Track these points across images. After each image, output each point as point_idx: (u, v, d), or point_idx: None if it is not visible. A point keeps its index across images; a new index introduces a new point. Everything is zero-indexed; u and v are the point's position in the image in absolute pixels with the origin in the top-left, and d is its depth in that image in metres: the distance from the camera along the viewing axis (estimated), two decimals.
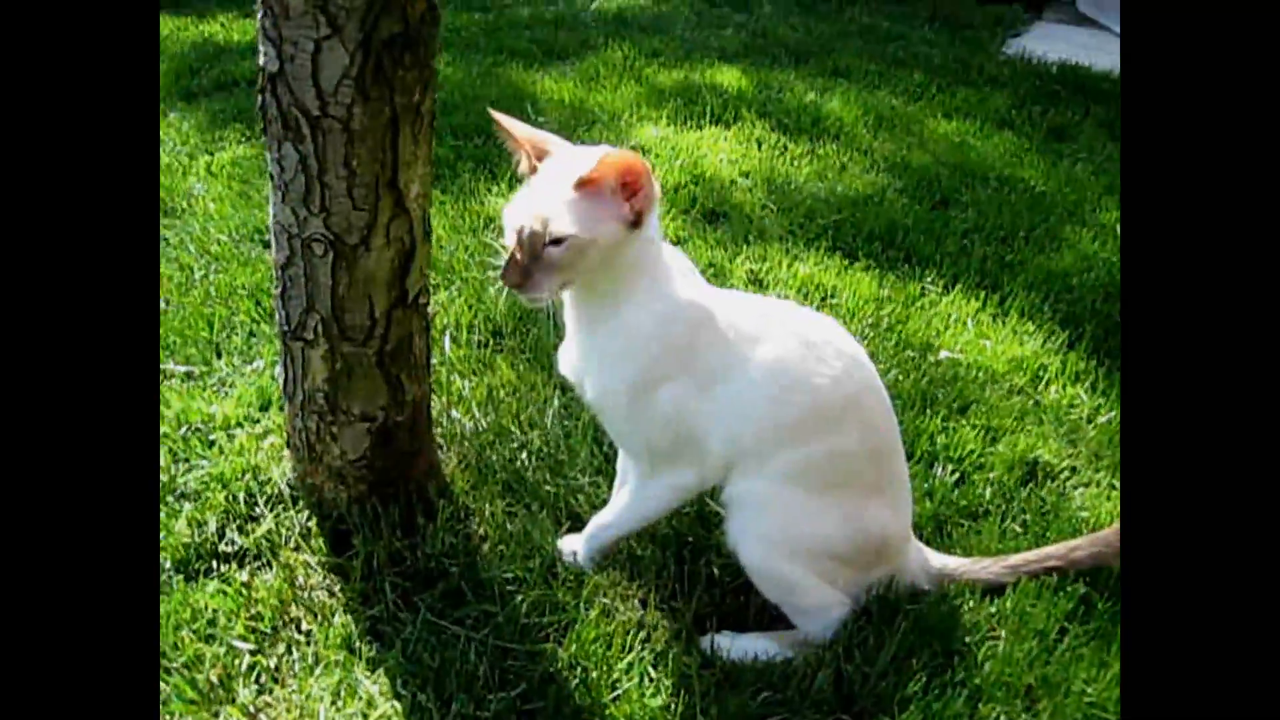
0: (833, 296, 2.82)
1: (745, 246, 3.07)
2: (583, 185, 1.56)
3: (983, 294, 2.86)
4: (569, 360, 1.75)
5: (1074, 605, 1.79)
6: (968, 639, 1.74)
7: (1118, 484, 2.17)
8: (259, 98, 1.58)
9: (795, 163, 3.73)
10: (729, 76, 4.55)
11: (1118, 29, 5.70)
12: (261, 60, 1.55)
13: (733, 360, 1.66)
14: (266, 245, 2.93)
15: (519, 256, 1.57)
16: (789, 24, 5.55)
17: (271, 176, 1.65)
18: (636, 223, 1.59)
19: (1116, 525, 1.89)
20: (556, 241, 1.55)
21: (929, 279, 2.94)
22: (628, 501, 1.81)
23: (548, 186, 1.60)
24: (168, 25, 4.98)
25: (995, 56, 5.13)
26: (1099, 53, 5.22)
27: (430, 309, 1.88)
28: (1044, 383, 2.52)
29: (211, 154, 3.56)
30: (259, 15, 1.53)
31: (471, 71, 4.46)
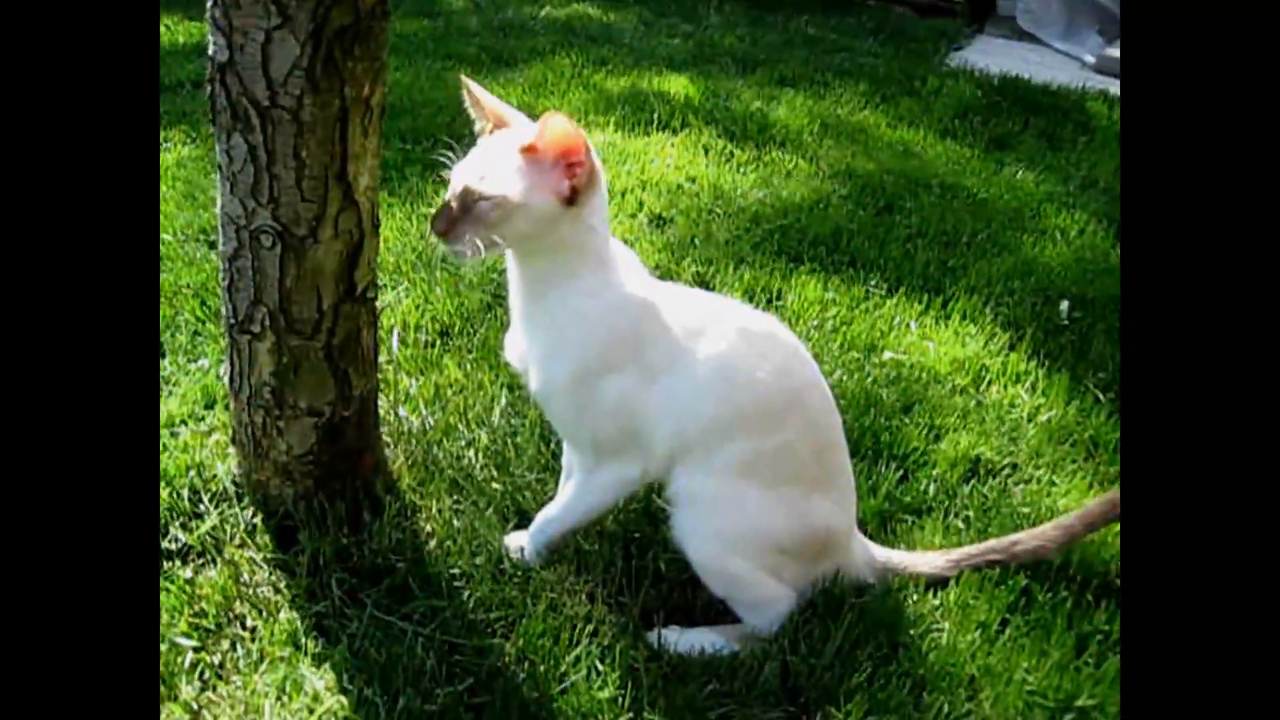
0: (778, 299, 2.85)
1: (692, 249, 3.09)
2: (525, 151, 1.58)
3: (926, 297, 2.91)
4: (515, 347, 1.76)
5: (1015, 597, 1.83)
6: (912, 631, 1.76)
7: (1057, 480, 2.22)
8: (208, 87, 1.58)
9: (742, 169, 3.76)
10: (676, 84, 4.58)
11: (1056, 44, 5.82)
12: (211, 50, 1.55)
13: (677, 353, 1.67)
14: (212, 245, 2.90)
15: (451, 208, 1.59)
16: (736, 34, 5.60)
17: (220, 167, 1.64)
18: (572, 200, 1.60)
19: (1056, 520, 1.92)
20: (488, 199, 1.57)
21: (873, 282, 2.98)
22: (572, 495, 1.82)
23: (495, 148, 1.63)
24: None
25: (938, 68, 5.20)
26: (1039, 66, 5.32)
27: (378, 304, 1.88)
28: (985, 383, 2.56)
29: None
30: (209, 4, 1.52)
31: (420, 77, 4.45)
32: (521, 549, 1.87)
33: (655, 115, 4.12)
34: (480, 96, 1.70)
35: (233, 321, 1.77)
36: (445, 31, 5.31)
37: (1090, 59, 5.55)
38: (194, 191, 3.23)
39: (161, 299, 2.62)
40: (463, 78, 1.75)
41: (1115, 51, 5.47)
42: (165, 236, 2.94)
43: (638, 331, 1.67)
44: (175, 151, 3.55)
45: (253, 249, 1.67)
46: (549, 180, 1.59)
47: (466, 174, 1.61)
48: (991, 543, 1.91)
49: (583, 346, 1.66)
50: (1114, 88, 5.01)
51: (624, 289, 1.68)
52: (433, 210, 3.15)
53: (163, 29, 4.95)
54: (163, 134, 3.70)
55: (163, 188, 3.26)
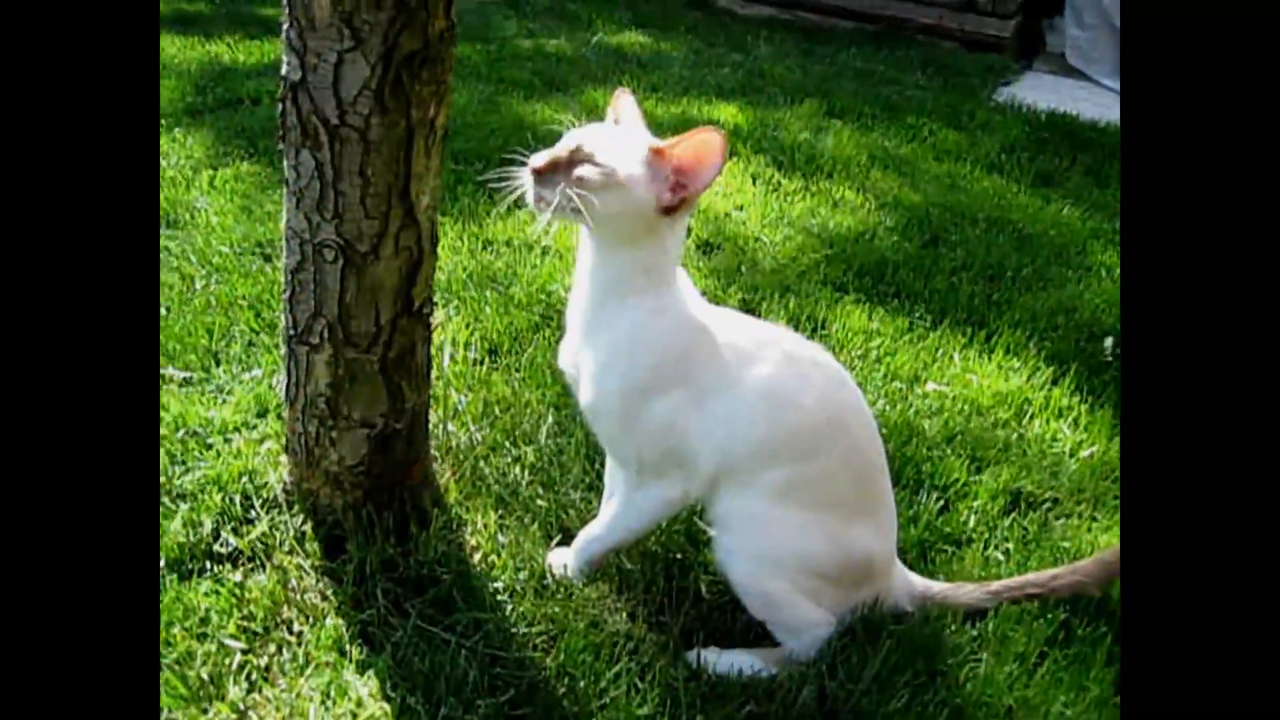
0: (823, 328, 2.87)
1: (738, 276, 3.12)
2: (654, 150, 1.61)
3: (970, 330, 2.92)
4: (569, 355, 1.78)
5: (1054, 630, 1.83)
6: (950, 660, 1.77)
7: (1098, 516, 2.22)
8: (279, 105, 1.63)
9: (789, 198, 3.79)
10: (726, 113, 4.62)
11: (1105, 81, 5.81)
12: (284, 70, 1.60)
13: (727, 377, 1.69)
14: (267, 258, 2.97)
15: (559, 153, 1.60)
16: (785, 65, 5.63)
17: (287, 183, 1.69)
18: (669, 211, 1.62)
19: (1097, 555, 1.93)
20: (599, 164, 1.58)
21: (918, 314, 2.99)
22: (615, 514, 1.84)
23: (626, 134, 1.67)
24: (175, 45, 5.02)
25: (986, 103, 5.21)
26: (1086, 103, 5.32)
27: (433, 320, 1.92)
28: (1028, 417, 2.57)
29: (215, 169, 3.60)
30: (284, 26, 1.57)
31: (474, 100, 4.52)
32: (565, 566, 1.89)
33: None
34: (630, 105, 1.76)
35: (292, 333, 1.81)
36: (498, 56, 5.38)
37: None
38: (251, 205, 3.30)
39: (217, 310, 2.68)
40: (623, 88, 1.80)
41: None
42: (223, 249, 3.00)
43: (690, 353, 1.69)
44: (234, 166, 3.63)
45: (315, 263, 1.72)
46: (659, 184, 1.60)
47: (586, 136, 1.63)
48: (1031, 576, 1.92)
49: (636, 363, 1.68)
50: None
51: (683, 309, 1.70)
52: (485, 228, 3.23)
53: (224, 48, 5.06)
54: (221, 149, 3.78)
55: (221, 201, 3.33)
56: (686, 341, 1.69)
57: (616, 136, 1.65)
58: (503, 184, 1.62)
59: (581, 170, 1.58)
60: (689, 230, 3.31)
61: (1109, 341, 2.93)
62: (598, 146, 1.60)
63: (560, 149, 1.61)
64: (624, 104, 1.76)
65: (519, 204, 1.63)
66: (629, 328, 1.68)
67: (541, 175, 1.59)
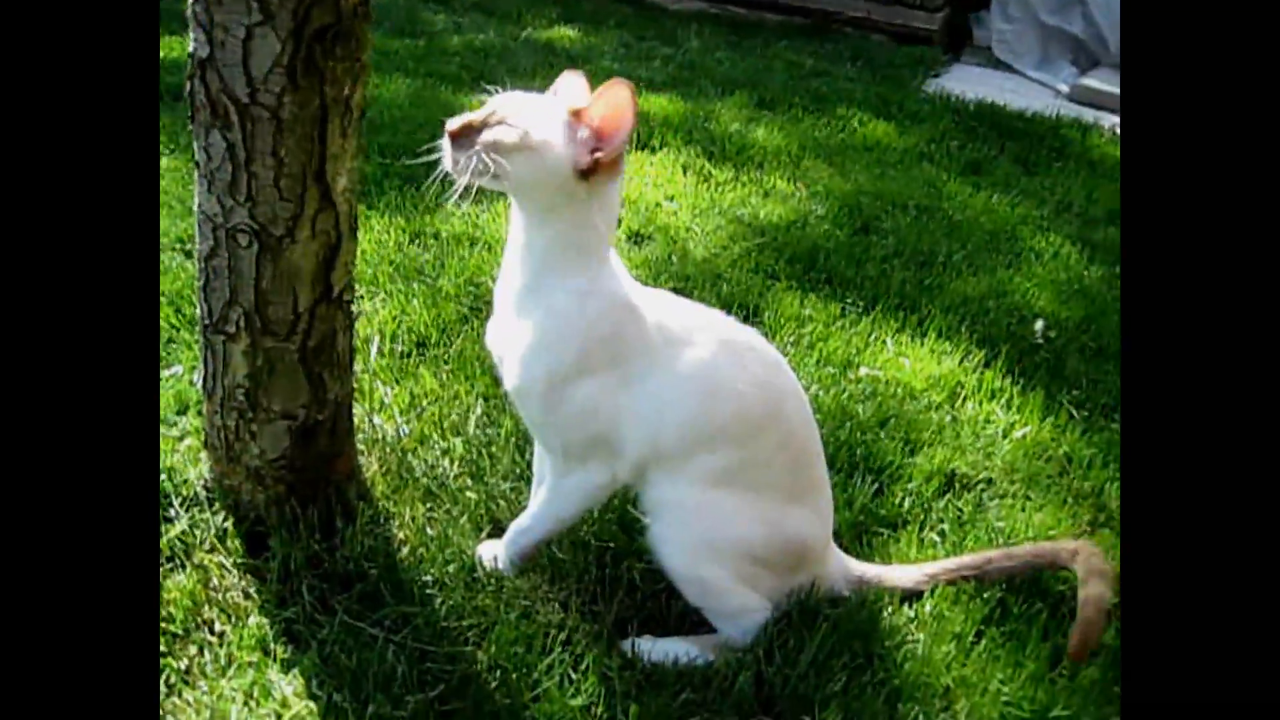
0: (755, 315, 2.86)
1: (670, 266, 3.10)
2: (573, 112, 1.57)
3: (902, 315, 2.92)
4: (498, 335, 1.74)
5: (990, 609, 1.83)
6: (887, 642, 1.76)
7: (1032, 496, 2.23)
8: (187, 84, 1.57)
9: (720, 188, 3.77)
10: (656, 105, 4.59)
11: (1030, 72, 5.88)
12: (191, 46, 1.54)
13: (659, 360, 1.66)
14: (188, 254, 2.88)
15: (474, 117, 1.56)
16: (715, 58, 5.62)
17: (197, 165, 1.63)
18: (587, 174, 1.57)
19: (1035, 544, 1.93)
20: (512, 126, 1.54)
21: (850, 300, 2.99)
22: (543, 501, 1.80)
23: (548, 99, 1.63)
24: None
25: (916, 94, 5.24)
26: (1013, 94, 5.38)
27: (355, 309, 1.87)
28: (961, 399, 2.57)
29: None
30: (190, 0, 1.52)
31: (401, 93, 4.45)
32: (495, 558, 1.85)
33: (634, 134, 4.12)
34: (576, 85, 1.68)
35: (207, 322, 1.75)
36: (427, 50, 5.30)
37: (1064, 87, 5.62)
38: (170, 201, 3.21)
39: None
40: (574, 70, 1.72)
41: (1089, 80, 5.55)
42: None
43: (620, 334, 1.66)
44: None
45: (229, 248, 1.66)
46: (575, 144, 1.56)
47: (504, 101, 1.59)
48: (966, 558, 1.91)
49: (563, 346, 1.64)
50: (1087, 115, 5.09)
51: (613, 290, 1.66)
52: (413, 221, 3.17)
53: None
54: None
55: None
56: (616, 322, 1.65)
57: (536, 102, 1.61)
58: (434, 155, 1.58)
59: (492, 133, 1.54)
60: (620, 221, 3.29)
61: (1039, 324, 2.96)
62: (513, 110, 1.56)
63: (477, 113, 1.57)
64: (568, 83, 1.68)
65: (449, 182, 1.57)
66: (558, 309, 1.63)
67: (456, 139, 1.55)
